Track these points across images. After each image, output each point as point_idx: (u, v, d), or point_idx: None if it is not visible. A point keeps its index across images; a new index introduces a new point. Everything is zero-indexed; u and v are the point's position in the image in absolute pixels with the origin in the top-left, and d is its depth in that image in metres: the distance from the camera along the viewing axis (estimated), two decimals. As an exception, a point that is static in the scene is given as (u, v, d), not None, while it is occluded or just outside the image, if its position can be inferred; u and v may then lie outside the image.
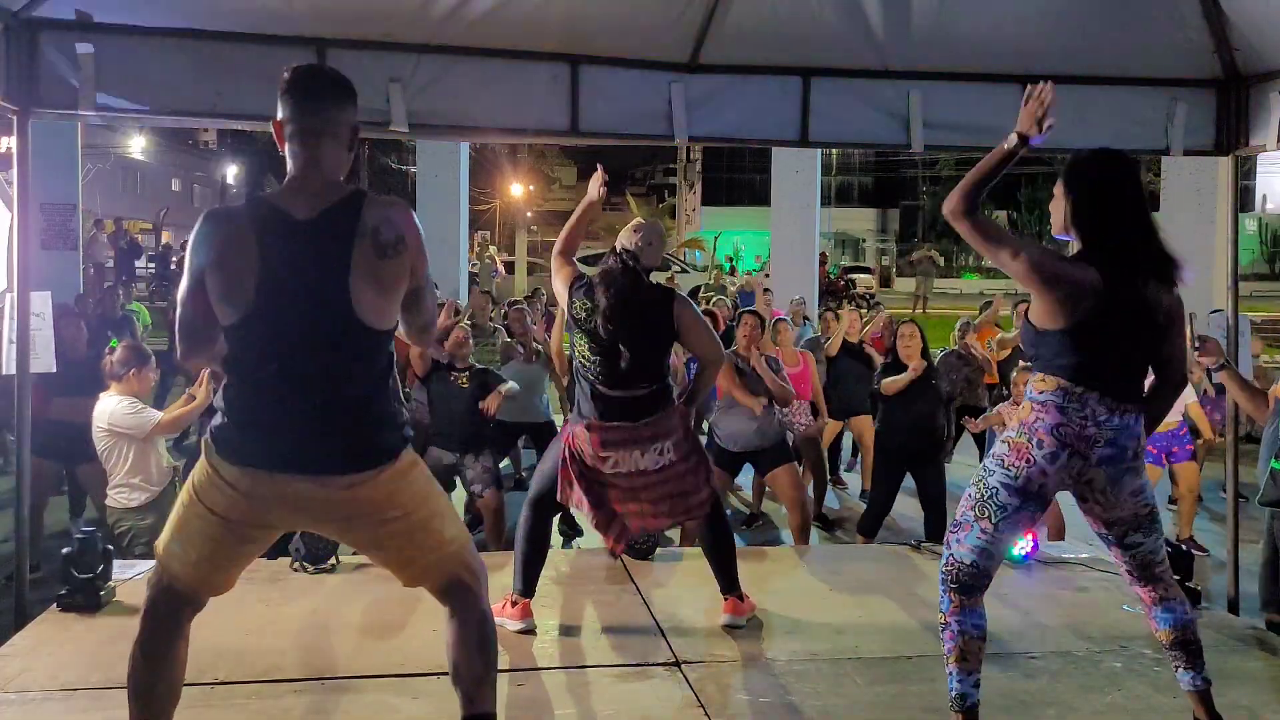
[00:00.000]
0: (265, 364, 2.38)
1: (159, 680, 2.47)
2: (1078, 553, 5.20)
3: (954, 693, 2.91)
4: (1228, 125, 4.75)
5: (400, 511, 2.47)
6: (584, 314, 3.91)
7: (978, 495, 2.92)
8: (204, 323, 2.43)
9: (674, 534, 5.97)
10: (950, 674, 2.93)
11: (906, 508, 6.28)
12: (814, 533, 6.44)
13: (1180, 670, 3.03)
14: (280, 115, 2.48)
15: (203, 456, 2.45)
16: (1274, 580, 4.18)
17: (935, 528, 5.77)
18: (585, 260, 4.32)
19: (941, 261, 30.88)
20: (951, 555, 2.96)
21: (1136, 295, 2.83)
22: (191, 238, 2.44)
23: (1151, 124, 4.73)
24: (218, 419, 2.45)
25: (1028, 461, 2.84)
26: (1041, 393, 2.87)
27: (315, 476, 2.38)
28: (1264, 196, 39.80)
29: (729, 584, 4.11)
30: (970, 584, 2.93)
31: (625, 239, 3.98)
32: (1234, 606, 4.57)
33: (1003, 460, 2.89)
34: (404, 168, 34.44)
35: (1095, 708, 3.40)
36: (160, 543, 2.52)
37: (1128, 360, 2.89)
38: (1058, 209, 2.96)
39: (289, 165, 2.47)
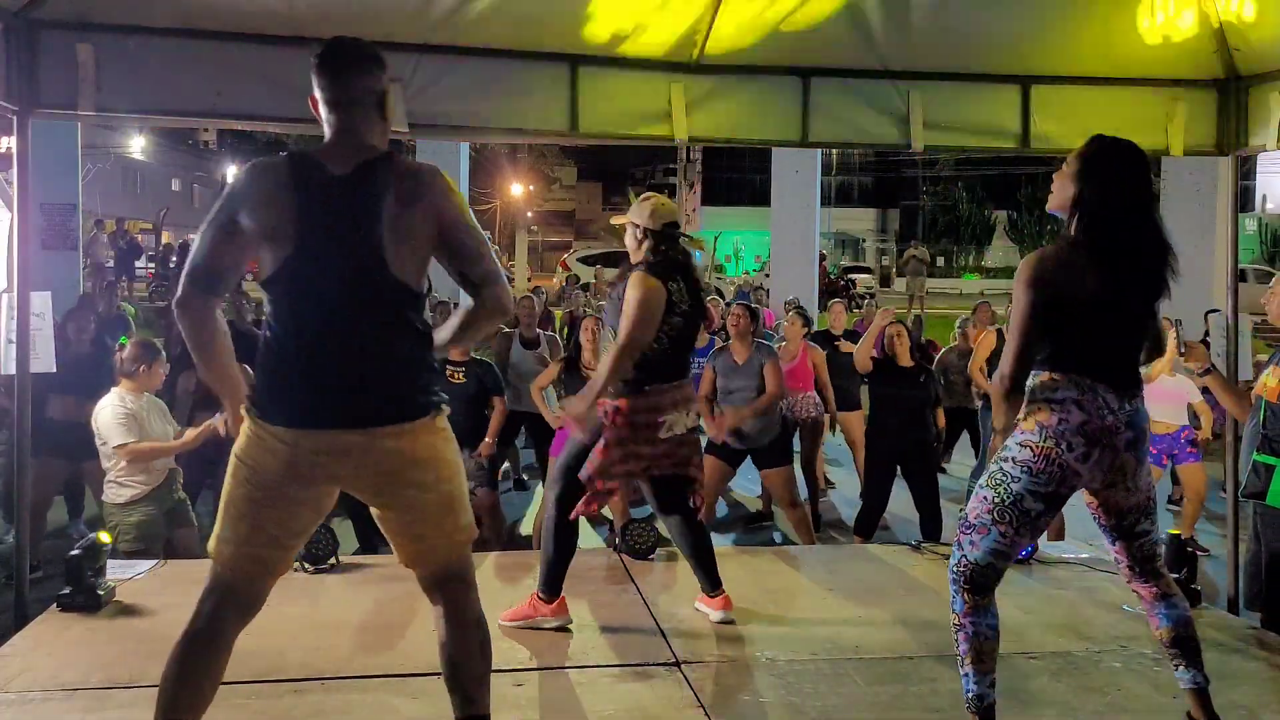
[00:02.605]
0: (303, 316, 2.44)
1: (188, 685, 2.44)
2: (1078, 553, 5.20)
3: (970, 694, 2.90)
4: (1228, 125, 4.75)
5: (434, 476, 2.50)
6: (675, 299, 3.84)
7: (997, 500, 2.88)
8: (215, 264, 2.47)
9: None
10: (966, 675, 2.92)
11: (904, 508, 6.27)
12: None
13: (1179, 668, 3.04)
14: (314, 90, 2.58)
15: (246, 421, 2.48)
16: (1257, 576, 4.18)
17: (930, 527, 5.78)
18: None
19: (928, 259, 30.79)
20: (965, 556, 2.94)
21: (1130, 285, 2.85)
22: (232, 183, 2.52)
23: (1151, 124, 4.72)
24: (258, 379, 2.48)
25: (1060, 466, 2.81)
26: (1057, 390, 2.84)
27: (360, 429, 2.41)
28: (1264, 196, 39.73)
29: (712, 582, 4.11)
30: (984, 583, 2.93)
31: (659, 215, 3.90)
32: (1234, 606, 4.57)
33: (1029, 467, 2.83)
34: (404, 168, 34.31)
35: (1095, 708, 3.40)
36: (211, 539, 2.52)
37: (1125, 348, 2.91)
38: (1063, 188, 2.93)
39: (326, 133, 2.58)
